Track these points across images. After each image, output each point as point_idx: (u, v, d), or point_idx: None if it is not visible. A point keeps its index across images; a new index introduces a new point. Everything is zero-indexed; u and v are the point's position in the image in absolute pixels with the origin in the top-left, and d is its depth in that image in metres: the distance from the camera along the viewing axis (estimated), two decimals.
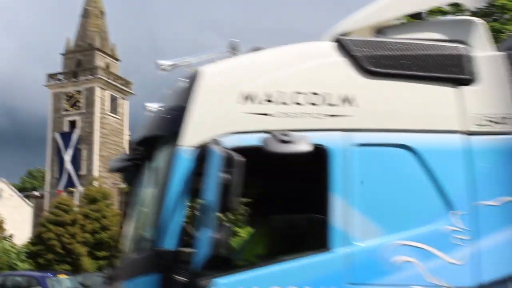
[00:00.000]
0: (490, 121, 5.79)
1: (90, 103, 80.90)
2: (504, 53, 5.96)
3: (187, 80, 5.78)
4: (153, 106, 5.60)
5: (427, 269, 5.51)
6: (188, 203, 5.51)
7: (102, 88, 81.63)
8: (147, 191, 6.02)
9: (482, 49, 5.95)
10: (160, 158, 5.80)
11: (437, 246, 5.56)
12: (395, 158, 5.70)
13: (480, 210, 5.63)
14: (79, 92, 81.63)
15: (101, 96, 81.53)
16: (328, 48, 5.87)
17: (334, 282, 5.44)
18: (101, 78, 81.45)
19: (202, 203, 5.24)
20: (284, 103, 5.65)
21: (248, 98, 5.63)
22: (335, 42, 5.90)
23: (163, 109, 6.00)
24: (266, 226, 6.27)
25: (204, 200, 5.23)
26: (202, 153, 5.38)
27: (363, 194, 5.58)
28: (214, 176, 5.22)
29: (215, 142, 5.39)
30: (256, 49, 6.09)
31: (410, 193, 5.67)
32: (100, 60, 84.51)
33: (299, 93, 5.67)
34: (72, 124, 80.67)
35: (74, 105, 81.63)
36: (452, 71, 5.85)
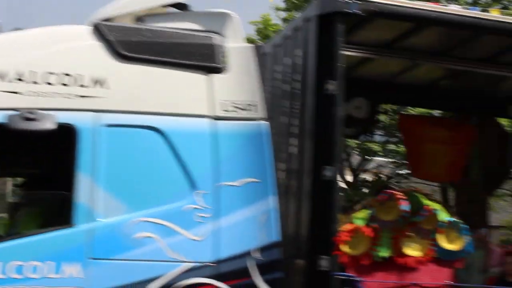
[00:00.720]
0: (237, 107, 5.84)
1: None
2: (253, 45, 6.03)
3: None
4: None
5: (168, 245, 5.48)
6: None
7: None
8: None
9: (234, 41, 6.00)
10: None
11: (179, 223, 5.55)
12: (144, 139, 5.65)
13: (222, 190, 5.66)
14: None
15: None
16: (84, 32, 5.76)
17: (76, 256, 5.33)
18: None
19: None
20: (35, 83, 5.49)
21: None
22: (92, 26, 5.78)
23: None
24: (25, 203, 6.09)
25: None
26: None
27: (109, 173, 5.50)
28: None
29: None
30: (17, 29, 5.88)
31: (156, 173, 5.63)
32: None
33: (51, 73, 5.53)
34: None
35: None
36: (204, 59, 5.86)
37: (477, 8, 11.95)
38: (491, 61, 7.79)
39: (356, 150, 15.61)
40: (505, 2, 15.55)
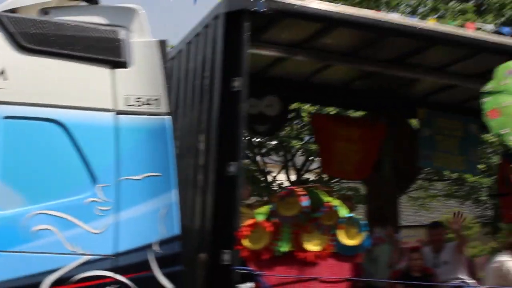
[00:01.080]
0: (140, 102, 5.81)
1: None
2: (157, 40, 6.00)
3: None
4: None
5: (66, 237, 5.43)
6: None
7: None
8: None
9: (139, 35, 5.95)
10: None
11: (79, 216, 5.49)
12: (44, 132, 5.57)
13: (123, 184, 5.63)
14: None
15: None
16: None
17: None
18: None
19: None
20: None
21: None
22: None
23: None
24: None
25: None
26: None
27: (8, 165, 5.40)
28: None
29: None
30: None
31: (57, 166, 5.56)
32: None
33: None
34: None
35: None
36: (108, 53, 5.80)
37: (415, 17, 12.21)
38: (398, 62, 7.97)
39: (300, 151, 16.00)
40: (442, 12, 15.99)
